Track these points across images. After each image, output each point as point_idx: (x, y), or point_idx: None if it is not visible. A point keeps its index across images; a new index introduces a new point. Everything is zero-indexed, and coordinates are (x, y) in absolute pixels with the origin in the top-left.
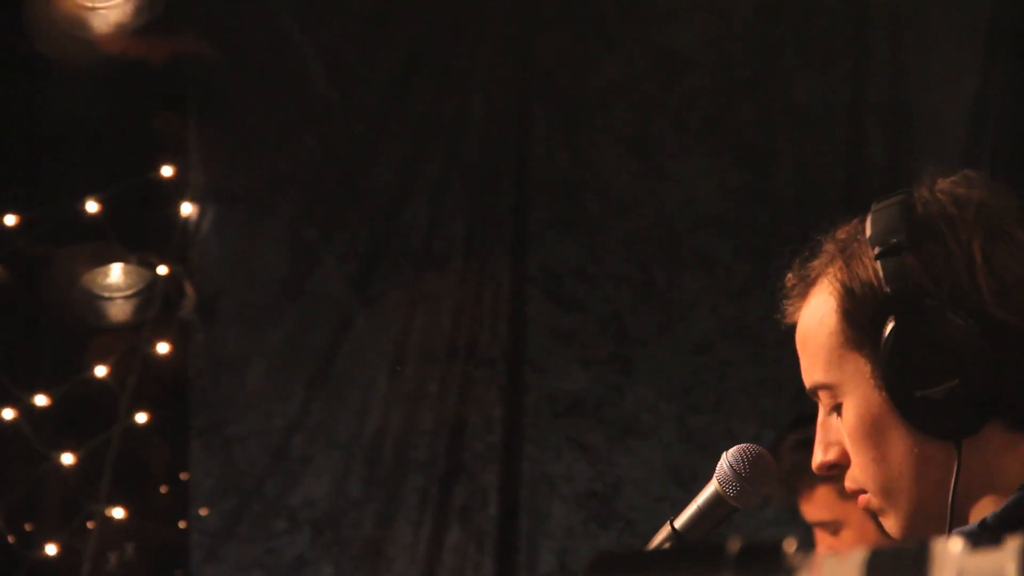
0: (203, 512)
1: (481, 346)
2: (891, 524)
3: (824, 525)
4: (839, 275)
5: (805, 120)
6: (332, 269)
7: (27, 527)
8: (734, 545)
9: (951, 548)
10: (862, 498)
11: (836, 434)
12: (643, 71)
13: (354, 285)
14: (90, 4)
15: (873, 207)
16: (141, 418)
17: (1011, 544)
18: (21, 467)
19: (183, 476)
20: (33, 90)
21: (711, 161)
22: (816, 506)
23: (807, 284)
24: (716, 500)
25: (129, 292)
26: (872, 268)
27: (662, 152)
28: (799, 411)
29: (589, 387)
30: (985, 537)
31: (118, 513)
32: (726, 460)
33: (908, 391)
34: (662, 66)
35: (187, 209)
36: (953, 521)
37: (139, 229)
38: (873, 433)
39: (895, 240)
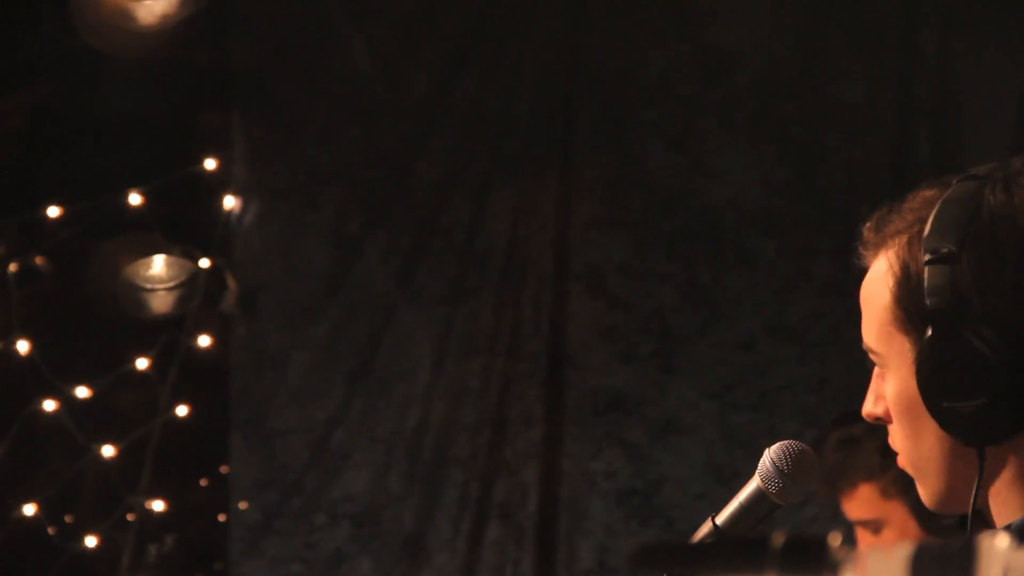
0: (243, 506)
1: (523, 342)
2: (922, 493)
3: (866, 524)
4: (900, 255)
5: (852, 118)
6: (375, 264)
7: (67, 519)
8: (778, 539)
9: (998, 544)
10: (899, 459)
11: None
12: (689, 68)
13: (397, 280)
14: None
15: (947, 192)
16: (182, 411)
17: None
18: (62, 459)
19: (223, 469)
20: (78, 82)
21: (756, 158)
22: (858, 504)
23: (878, 241)
24: (758, 497)
25: (171, 284)
26: (923, 267)
27: (707, 149)
28: (841, 409)
29: (631, 384)
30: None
31: (158, 506)
32: (768, 456)
33: (937, 398)
34: (708, 63)
35: (230, 202)
36: (974, 524)
37: (182, 222)
38: (908, 413)
39: (946, 249)
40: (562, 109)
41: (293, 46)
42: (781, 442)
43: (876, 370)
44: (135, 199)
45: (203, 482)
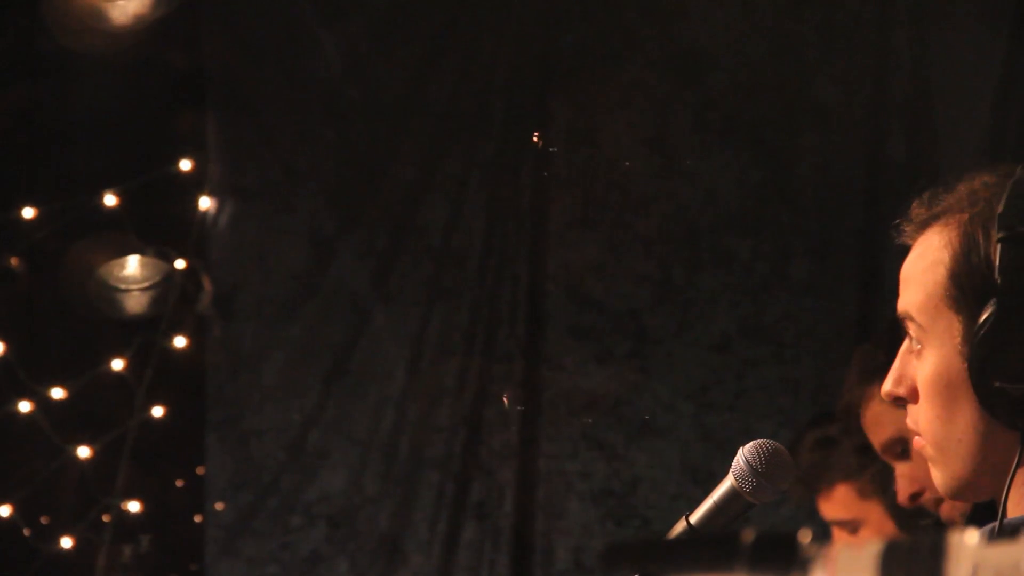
0: (219, 506)
1: (499, 342)
2: (939, 477)
3: (843, 524)
4: (962, 231)
5: (826, 118)
6: (350, 265)
7: (43, 520)
8: (748, 535)
9: (967, 541)
10: (917, 441)
11: (913, 370)
12: (663, 69)
13: (372, 280)
14: None
15: (1016, 175)
16: (157, 412)
17: None
18: (37, 460)
19: (199, 470)
20: (52, 83)
21: (731, 159)
22: (835, 504)
23: (930, 218)
24: (732, 495)
25: (145, 284)
26: (993, 245)
27: (682, 150)
28: (817, 410)
29: (606, 384)
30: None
31: (134, 506)
32: (742, 455)
33: (989, 378)
34: (682, 64)
35: (205, 203)
36: (1004, 511)
37: (157, 223)
38: (945, 393)
39: (1023, 229)
40: (537, 110)
41: (268, 47)
42: (755, 441)
43: (905, 348)
44: (110, 200)
45: (179, 483)
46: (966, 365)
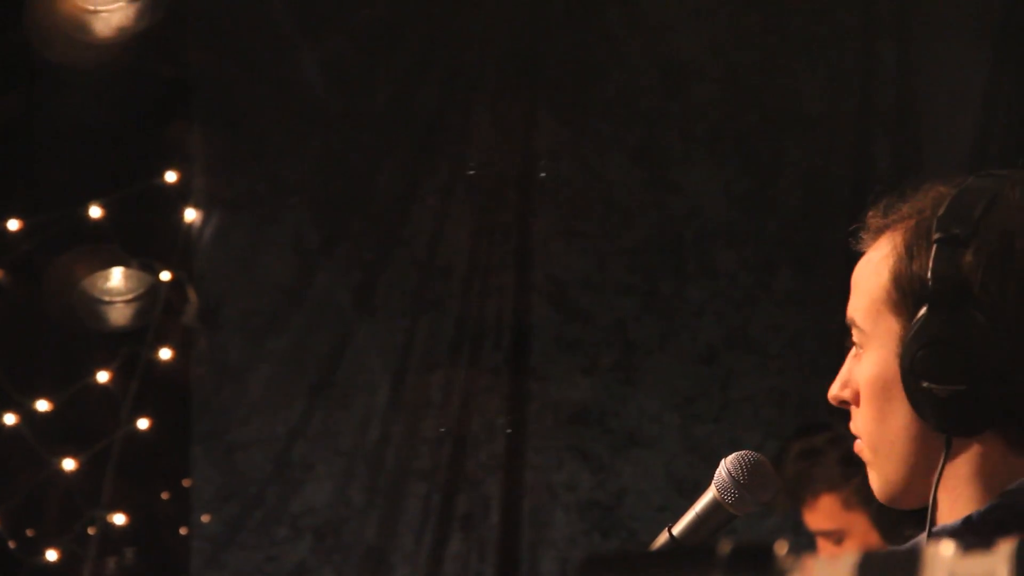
0: (205, 519)
1: (485, 354)
2: (874, 481)
3: (828, 534)
4: (905, 237)
5: (811, 129)
6: (336, 277)
7: (28, 532)
8: (725, 547)
9: (942, 551)
10: (856, 445)
11: (856, 377)
12: (649, 81)
13: (358, 292)
14: (92, 7)
15: (965, 183)
16: (143, 424)
17: (1003, 548)
18: (22, 472)
19: (185, 482)
20: (37, 95)
21: (717, 170)
22: (820, 515)
23: (882, 227)
24: (714, 507)
25: (131, 296)
26: (931, 248)
27: (668, 161)
28: (803, 421)
29: (592, 396)
30: (969, 536)
31: (119, 519)
32: (724, 467)
33: (917, 378)
34: (668, 75)
35: (191, 215)
36: (933, 512)
37: (143, 234)
38: (881, 394)
39: (958, 232)
40: (522, 121)
41: (253, 58)
42: (737, 452)
43: (852, 353)
44: (95, 212)
45: (164, 495)
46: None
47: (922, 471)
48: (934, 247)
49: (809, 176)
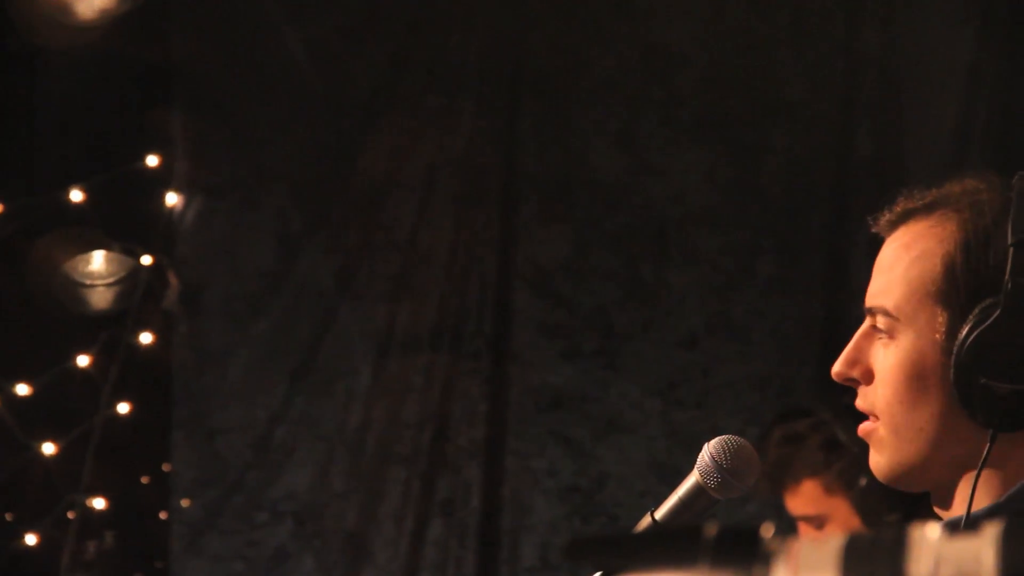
0: (184, 503)
1: (466, 339)
2: (882, 461)
3: (809, 519)
4: (964, 227)
5: (794, 115)
6: (317, 261)
7: (7, 516)
8: (711, 529)
9: (928, 534)
10: (866, 424)
11: (868, 356)
12: (633, 66)
13: (339, 277)
14: None
15: (1022, 184)
16: (123, 408)
17: (988, 530)
18: (2, 456)
19: (165, 467)
20: (17, 79)
21: (700, 156)
22: (802, 500)
23: (915, 211)
24: (697, 491)
25: (112, 280)
26: (1003, 248)
27: (651, 147)
28: (784, 406)
29: (574, 381)
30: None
31: (99, 503)
32: (707, 451)
33: (974, 374)
34: (652, 61)
35: (172, 199)
36: (970, 508)
37: (124, 219)
38: (916, 381)
39: None
40: (506, 107)
41: (235, 43)
42: (720, 437)
43: (863, 332)
44: (76, 196)
45: (144, 480)
46: (944, 358)
47: (944, 460)
48: (1011, 249)
49: (792, 162)
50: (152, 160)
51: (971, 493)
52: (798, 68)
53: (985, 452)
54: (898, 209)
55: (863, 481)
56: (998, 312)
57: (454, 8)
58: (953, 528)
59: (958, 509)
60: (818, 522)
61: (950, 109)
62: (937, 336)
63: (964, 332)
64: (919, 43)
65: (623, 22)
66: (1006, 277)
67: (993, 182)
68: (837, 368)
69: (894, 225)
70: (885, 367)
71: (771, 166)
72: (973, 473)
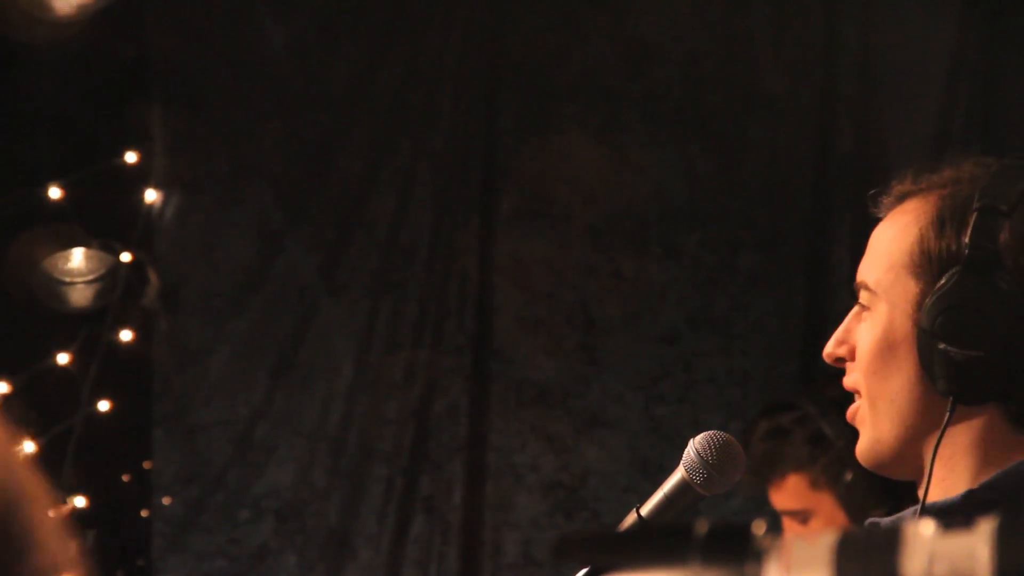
0: (166, 501)
1: (447, 335)
2: (865, 441)
3: (794, 514)
4: (938, 204)
5: (774, 109)
6: (297, 257)
7: None
8: (702, 527)
9: (923, 531)
10: (852, 406)
11: (854, 336)
12: (611, 61)
13: (319, 274)
14: None
15: (1004, 163)
16: (103, 406)
17: (983, 526)
18: None
19: (146, 465)
20: None
21: (679, 151)
22: (786, 494)
23: (909, 192)
24: (683, 487)
25: (91, 277)
26: (968, 217)
27: (630, 142)
28: (768, 400)
29: (555, 377)
30: (969, 511)
31: (80, 502)
32: (693, 447)
33: (935, 338)
34: (630, 56)
35: (151, 196)
36: (929, 477)
37: (102, 215)
38: (887, 351)
39: (1002, 206)
40: (484, 102)
41: (214, 38)
42: (706, 432)
43: (853, 312)
44: (55, 192)
45: (125, 477)
46: (913, 327)
47: (917, 434)
48: (974, 215)
49: (772, 156)
50: (131, 156)
51: (930, 462)
52: (778, 62)
53: (945, 420)
54: (893, 190)
55: (848, 476)
56: (957, 277)
57: (432, 4)
58: (928, 514)
59: (934, 492)
60: (803, 517)
61: (931, 100)
62: (908, 307)
63: (928, 298)
64: (899, 34)
65: (601, 17)
66: (964, 241)
67: (989, 164)
68: (827, 349)
69: (888, 207)
70: (864, 342)
71: (751, 160)
72: (952, 451)
